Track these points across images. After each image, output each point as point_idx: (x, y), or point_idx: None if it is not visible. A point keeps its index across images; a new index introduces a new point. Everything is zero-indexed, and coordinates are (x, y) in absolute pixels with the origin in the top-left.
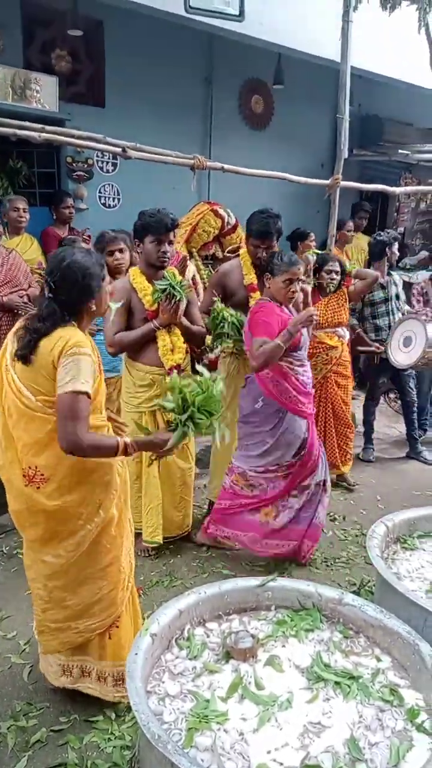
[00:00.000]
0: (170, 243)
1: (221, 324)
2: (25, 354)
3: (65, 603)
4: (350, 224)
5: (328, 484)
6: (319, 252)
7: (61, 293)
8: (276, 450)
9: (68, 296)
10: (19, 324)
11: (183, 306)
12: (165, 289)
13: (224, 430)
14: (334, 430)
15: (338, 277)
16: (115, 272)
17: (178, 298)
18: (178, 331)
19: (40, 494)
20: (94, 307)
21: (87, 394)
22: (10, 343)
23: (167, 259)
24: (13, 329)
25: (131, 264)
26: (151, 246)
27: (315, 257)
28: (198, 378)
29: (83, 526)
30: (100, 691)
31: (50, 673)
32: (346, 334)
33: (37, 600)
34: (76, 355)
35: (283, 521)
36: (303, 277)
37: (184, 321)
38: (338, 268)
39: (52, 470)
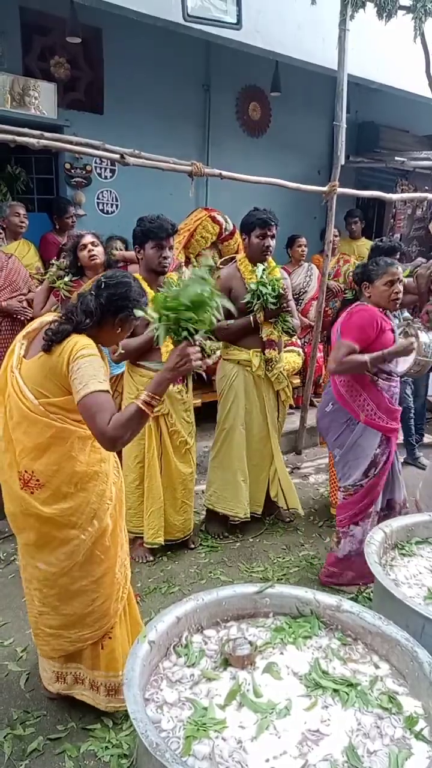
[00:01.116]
0: (170, 248)
1: (263, 299)
2: (49, 347)
3: (59, 611)
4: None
5: (403, 503)
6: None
7: (103, 299)
8: (344, 465)
9: (110, 302)
10: (29, 327)
11: None
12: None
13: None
14: None
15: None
16: (88, 267)
17: None
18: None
19: (34, 499)
20: (117, 330)
21: (99, 391)
22: (18, 346)
23: (168, 264)
24: (23, 332)
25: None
26: (152, 252)
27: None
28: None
29: (77, 536)
30: (93, 699)
31: (45, 678)
32: None
33: (33, 602)
34: (84, 357)
35: (345, 550)
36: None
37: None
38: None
39: (48, 477)
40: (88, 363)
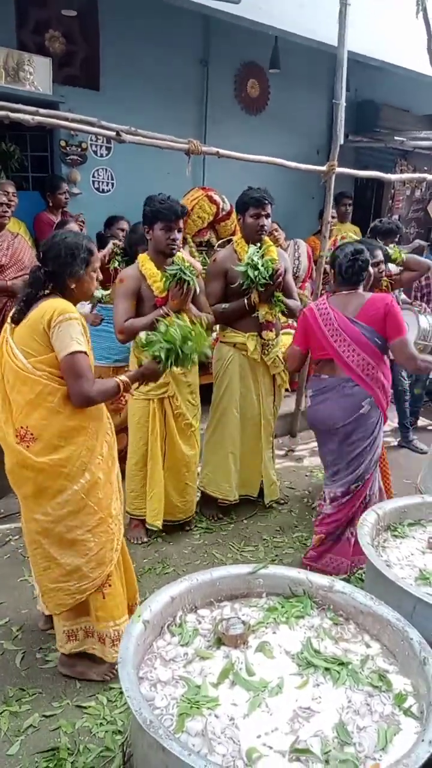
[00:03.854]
0: (179, 230)
1: (257, 275)
2: (18, 318)
3: (58, 561)
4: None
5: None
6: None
7: (47, 264)
8: (358, 464)
9: (52, 268)
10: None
11: (192, 291)
12: (176, 274)
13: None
14: None
15: (384, 267)
16: None
17: (189, 283)
18: (186, 317)
19: (29, 452)
20: (73, 286)
21: (83, 352)
22: (9, 319)
23: (176, 247)
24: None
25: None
26: (161, 233)
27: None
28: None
29: (69, 486)
30: (102, 652)
31: (59, 642)
32: None
33: (36, 560)
34: (66, 321)
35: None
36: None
37: (192, 308)
38: (381, 257)
39: (41, 430)
40: (67, 325)
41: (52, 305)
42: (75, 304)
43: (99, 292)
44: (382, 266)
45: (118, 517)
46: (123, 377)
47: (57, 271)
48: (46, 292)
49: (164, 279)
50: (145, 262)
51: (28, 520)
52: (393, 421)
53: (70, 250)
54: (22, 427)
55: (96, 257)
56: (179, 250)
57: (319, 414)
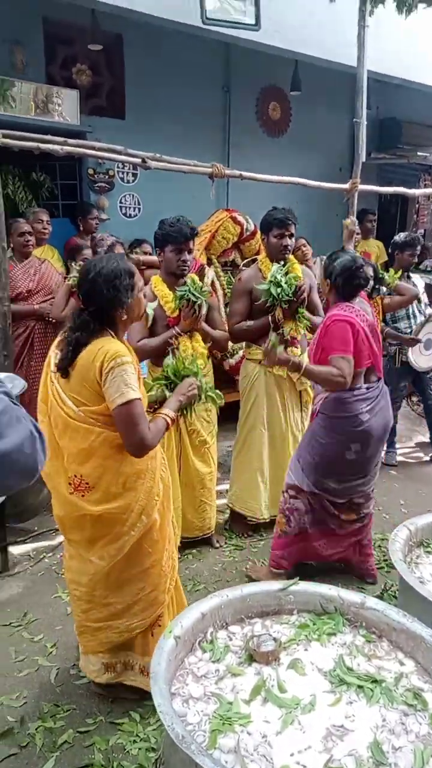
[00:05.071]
0: (190, 252)
1: (280, 292)
2: (65, 366)
3: (106, 601)
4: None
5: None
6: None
7: (90, 305)
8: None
9: (97, 307)
10: (59, 338)
11: (203, 311)
12: (183, 295)
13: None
14: None
15: (370, 282)
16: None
17: (198, 303)
18: (199, 336)
19: (85, 502)
20: (125, 316)
21: (138, 399)
22: (53, 355)
23: (187, 268)
24: (56, 341)
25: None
26: (171, 255)
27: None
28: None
29: (127, 532)
30: (144, 683)
31: (91, 672)
32: None
33: (77, 601)
34: (118, 366)
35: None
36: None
37: (205, 326)
38: (370, 273)
39: (97, 479)
40: (120, 371)
41: (103, 349)
42: (126, 330)
43: None
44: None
45: (173, 556)
46: (167, 411)
47: (104, 308)
48: (93, 328)
49: (174, 300)
50: (157, 283)
51: (79, 561)
52: (424, 436)
53: (111, 282)
54: (75, 476)
55: (138, 276)
56: (198, 270)
57: (380, 422)
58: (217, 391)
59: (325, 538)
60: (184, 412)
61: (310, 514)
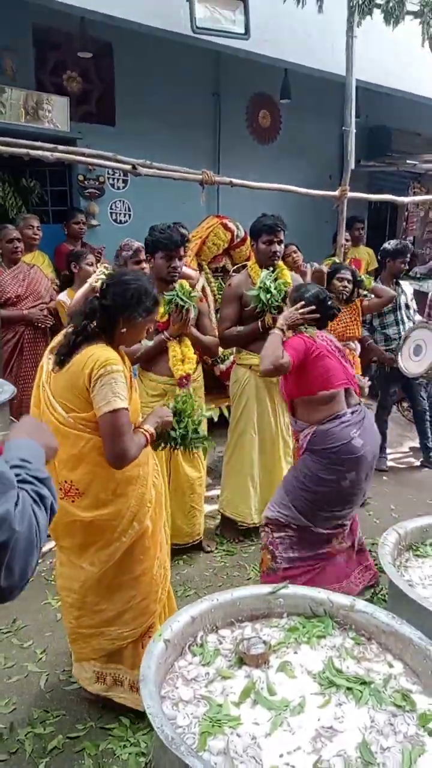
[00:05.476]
0: (180, 258)
1: (270, 298)
2: (63, 361)
3: (98, 607)
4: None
5: None
6: (334, 260)
7: (106, 297)
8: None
9: (111, 303)
10: (60, 335)
11: (192, 316)
12: (172, 300)
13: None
14: None
15: (350, 286)
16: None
17: (186, 307)
18: (188, 341)
19: (75, 507)
20: (124, 330)
21: (125, 409)
22: (46, 361)
23: (177, 274)
24: (50, 345)
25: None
26: (161, 261)
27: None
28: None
29: (118, 538)
30: (132, 701)
31: (84, 679)
32: (357, 347)
33: (69, 608)
34: (108, 374)
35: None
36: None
37: (194, 332)
38: (350, 277)
39: (87, 485)
40: (109, 379)
41: (93, 357)
42: (117, 350)
43: None
44: (346, 282)
45: (165, 565)
46: (147, 427)
47: (115, 307)
48: (93, 327)
49: (164, 304)
50: None
51: (69, 567)
52: (414, 441)
53: (139, 294)
54: (66, 482)
55: (158, 310)
56: (180, 277)
57: (370, 447)
58: (208, 436)
59: (320, 566)
60: (176, 447)
61: (297, 546)
